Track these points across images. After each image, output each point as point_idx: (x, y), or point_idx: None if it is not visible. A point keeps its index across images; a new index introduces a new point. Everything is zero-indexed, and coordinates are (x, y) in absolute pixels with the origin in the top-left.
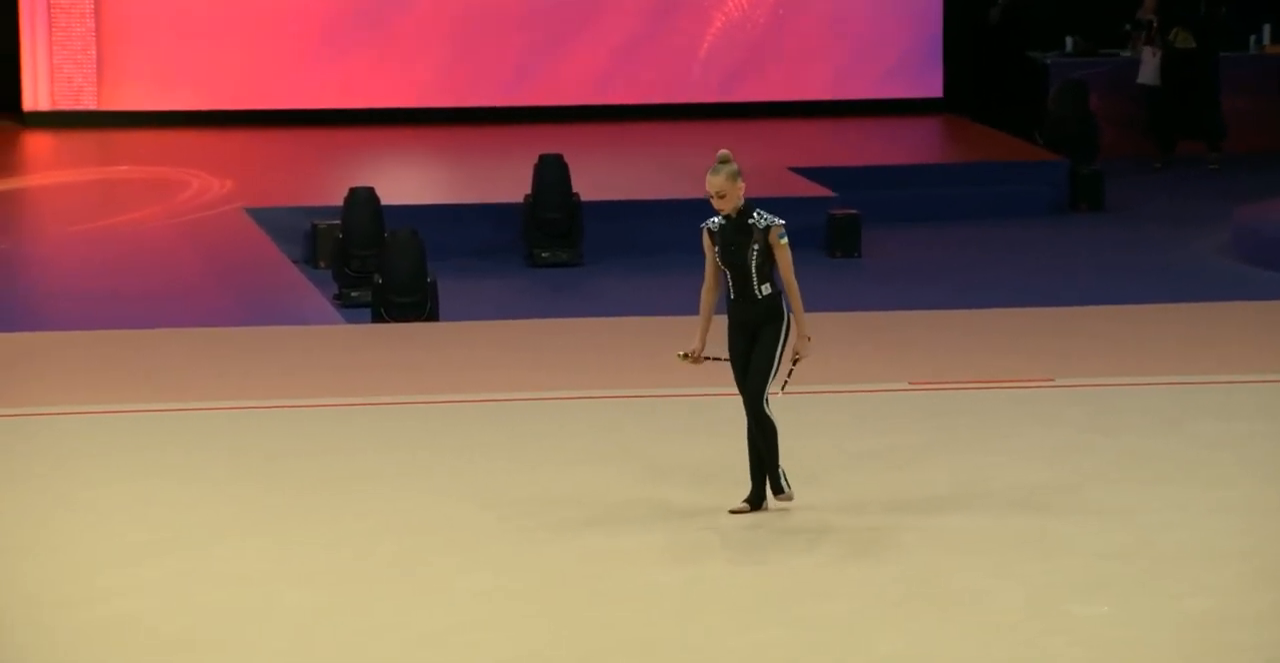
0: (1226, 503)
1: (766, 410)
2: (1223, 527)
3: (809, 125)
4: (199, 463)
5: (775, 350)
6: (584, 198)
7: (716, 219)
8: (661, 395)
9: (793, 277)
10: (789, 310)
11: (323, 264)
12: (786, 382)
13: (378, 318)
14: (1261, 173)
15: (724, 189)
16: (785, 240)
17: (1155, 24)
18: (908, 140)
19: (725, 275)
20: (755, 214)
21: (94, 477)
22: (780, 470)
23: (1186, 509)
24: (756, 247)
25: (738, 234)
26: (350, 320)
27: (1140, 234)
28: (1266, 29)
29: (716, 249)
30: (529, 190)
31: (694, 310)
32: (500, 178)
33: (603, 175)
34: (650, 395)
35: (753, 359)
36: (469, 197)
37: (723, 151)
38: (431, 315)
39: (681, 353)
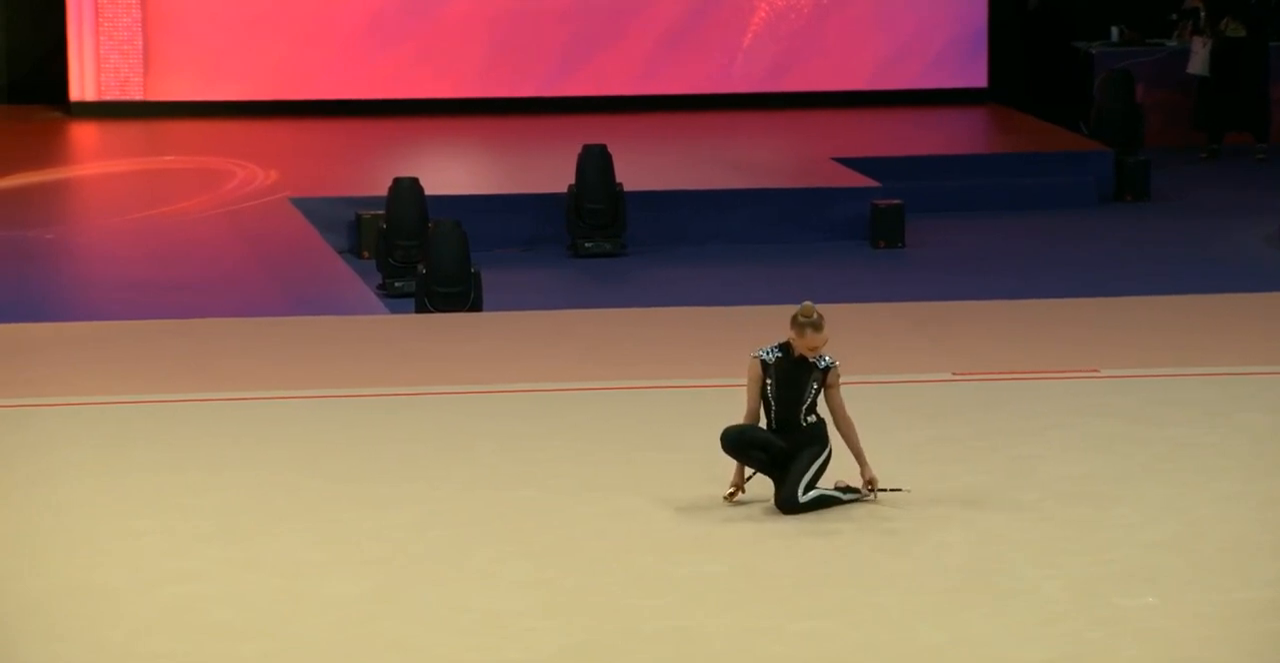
0: (1275, 495)
1: (803, 501)
2: (1273, 520)
3: (853, 115)
4: (245, 452)
5: (818, 462)
6: (627, 188)
7: (770, 351)
8: (705, 386)
9: (848, 415)
10: (830, 439)
11: (366, 254)
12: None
13: (421, 308)
14: None
15: (825, 341)
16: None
17: (1204, 13)
18: (952, 130)
19: (768, 406)
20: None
21: (140, 465)
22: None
23: (1236, 502)
24: (815, 385)
25: (796, 370)
26: (394, 311)
27: (1186, 225)
28: None
29: (770, 382)
30: (572, 181)
31: (734, 300)
32: (544, 168)
33: (646, 166)
34: (694, 386)
35: (793, 467)
36: (513, 187)
37: (809, 305)
38: (475, 306)
39: (727, 492)
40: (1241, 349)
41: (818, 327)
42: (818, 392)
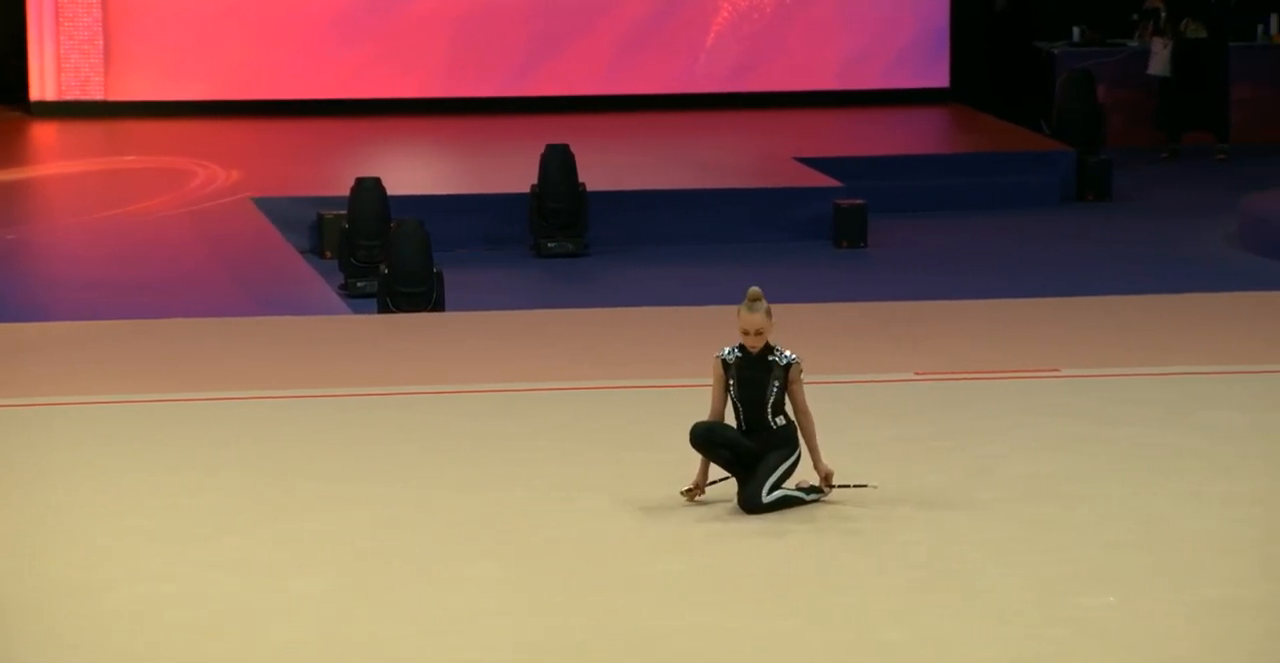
0: (1236, 494)
1: (765, 501)
2: (1232, 517)
3: (815, 115)
4: (207, 453)
5: (785, 464)
6: (590, 188)
7: (731, 351)
8: (670, 386)
9: (809, 409)
10: (801, 442)
11: (329, 254)
12: (835, 488)
13: (384, 308)
14: (1268, 163)
15: (762, 326)
16: (803, 376)
17: (1164, 14)
18: (914, 130)
19: (735, 408)
20: (775, 351)
21: (101, 466)
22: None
23: (1195, 500)
24: (776, 383)
25: (756, 369)
26: (356, 311)
27: (1147, 224)
28: (1274, 18)
29: (732, 383)
30: (535, 181)
31: (697, 300)
32: (506, 168)
33: (609, 166)
34: (658, 386)
35: (760, 467)
36: (475, 187)
37: (754, 289)
38: (437, 306)
39: (684, 490)
40: (1203, 348)
41: (750, 308)
42: (780, 390)
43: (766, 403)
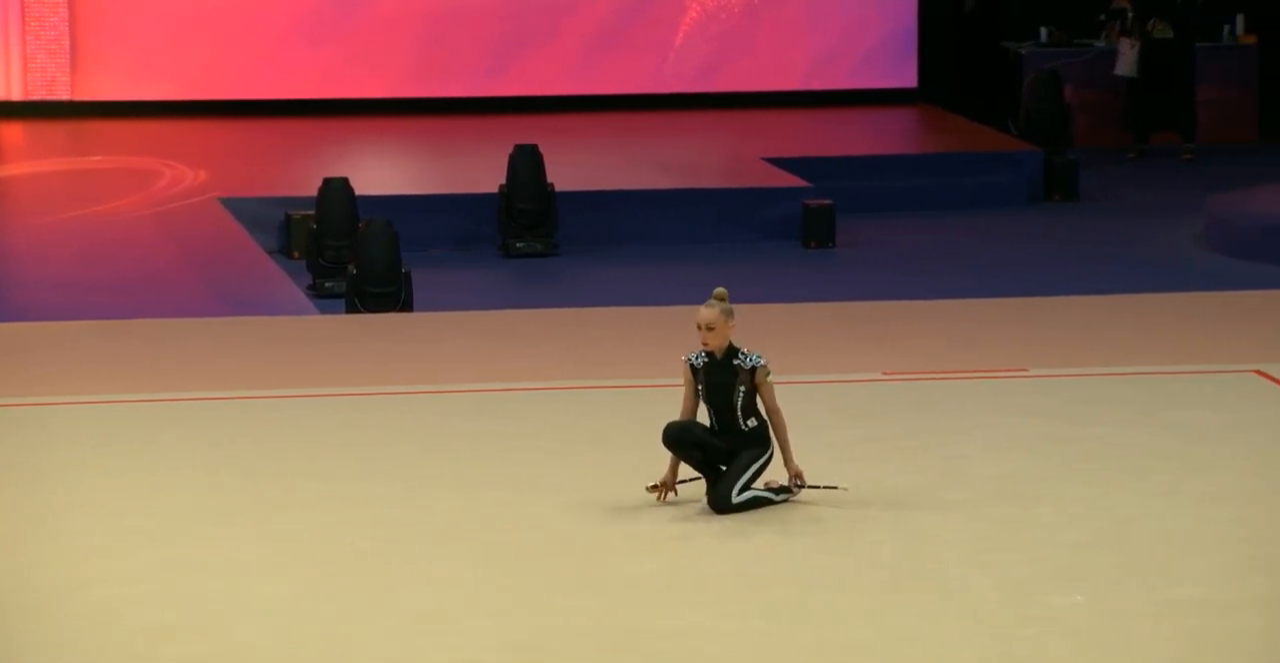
0: (1203, 493)
1: (735, 501)
2: (1200, 516)
3: (784, 115)
4: (176, 454)
5: (756, 464)
6: (559, 188)
7: (699, 355)
8: (639, 386)
9: (779, 409)
10: (773, 443)
11: (296, 255)
12: (803, 488)
13: (352, 309)
14: (1234, 163)
15: (714, 322)
16: (771, 378)
17: (1131, 14)
18: (882, 130)
19: (707, 412)
20: (740, 354)
21: (70, 468)
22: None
23: (1163, 499)
24: (743, 387)
25: (722, 373)
26: (324, 311)
27: (1114, 224)
28: (1239, 19)
29: (700, 387)
30: (503, 181)
31: (666, 300)
32: (475, 168)
33: (577, 166)
34: (627, 386)
35: (730, 467)
36: (443, 187)
37: (719, 289)
38: (406, 306)
39: (651, 485)
40: (1170, 348)
41: (707, 304)
42: (749, 393)
43: (736, 407)
